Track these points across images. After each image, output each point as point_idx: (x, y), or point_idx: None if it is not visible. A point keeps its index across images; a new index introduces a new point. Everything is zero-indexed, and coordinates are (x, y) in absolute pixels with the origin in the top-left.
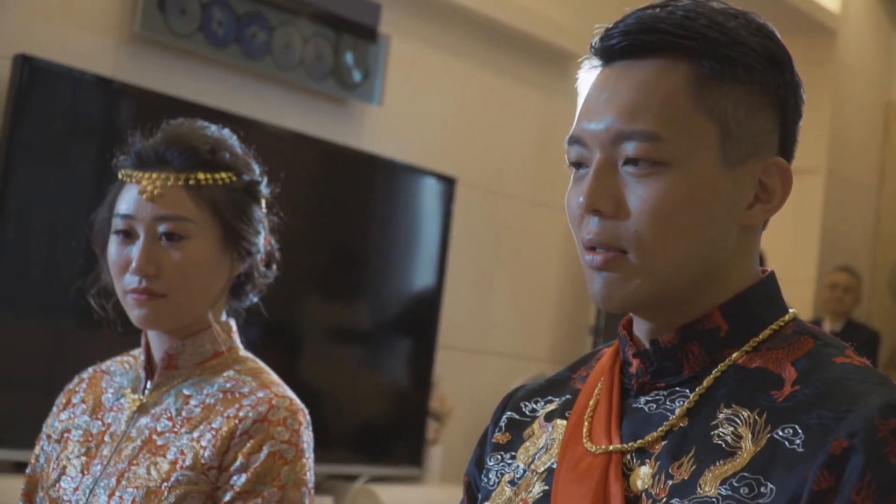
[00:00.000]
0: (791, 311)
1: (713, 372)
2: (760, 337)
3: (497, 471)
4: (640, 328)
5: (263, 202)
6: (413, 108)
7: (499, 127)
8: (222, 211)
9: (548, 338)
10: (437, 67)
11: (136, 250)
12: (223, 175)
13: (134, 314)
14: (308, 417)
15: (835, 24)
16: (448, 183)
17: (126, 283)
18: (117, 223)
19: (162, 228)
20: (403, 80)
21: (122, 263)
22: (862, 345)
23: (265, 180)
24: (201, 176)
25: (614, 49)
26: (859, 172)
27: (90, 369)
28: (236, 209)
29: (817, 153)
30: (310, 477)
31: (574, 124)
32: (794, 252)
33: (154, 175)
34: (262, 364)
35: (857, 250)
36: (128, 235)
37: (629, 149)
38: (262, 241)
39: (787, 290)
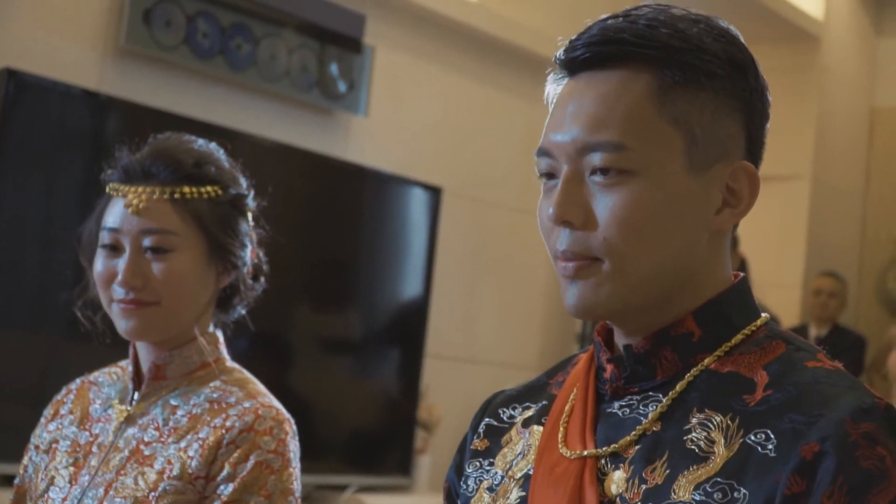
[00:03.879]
0: (763, 315)
1: (686, 377)
2: (733, 342)
3: (476, 477)
4: (615, 334)
5: (250, 215)
6: (398, 118)
7: (484, 136)
8: (207, 224)
9: (535, 346)
10: (421, 77)
11: (122, 263)
12: (208, 189)
13: (121, 325)
14: (294, 427)
15: (819, 31)
16: (434, 192)
17: (113, 294)
18: (104, 236)
19: (147, 242)
20: (388, 91)
21: (108, 275)
22: (848, 349)
23: (252, 194)
24: (186, 189)
25: (578, 61)
26: (845, 178)
27: (78, 380)
28: (221, 222)
29: (803, 159)
30: (296, 486)
31: (542, 136)
32: (780, 257)
33: (140, 189)
34: (248, 375)
35: (843, 255)
36: (114, 248)
37: (595, 159)
38: (249, 254)
39: (774, 296)
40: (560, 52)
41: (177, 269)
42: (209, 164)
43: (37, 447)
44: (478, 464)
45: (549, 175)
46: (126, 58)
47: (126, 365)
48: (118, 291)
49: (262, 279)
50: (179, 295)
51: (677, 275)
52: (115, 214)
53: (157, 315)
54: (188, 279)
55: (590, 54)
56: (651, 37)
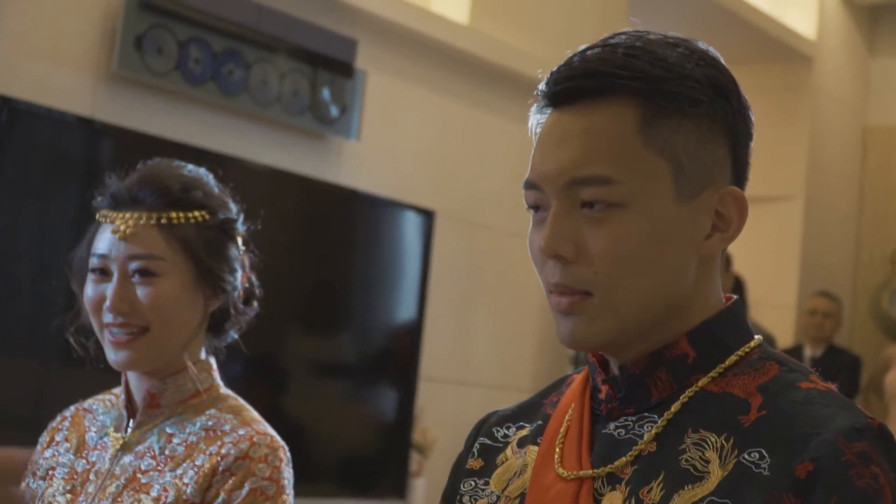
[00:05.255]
0: (757, 337)
1: (681, 398)
2: (726, 363)
3: (471, 496)
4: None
5: (240, 240)
6: (390, 142)
7: (476, 159)
8: (194, 249)
9: (529, 368)
10: (413, 101)
11: (110, 289)
12: (196, 214)
13: (111, 356)
14: (288, 455)
15: (811, 51)
16: (427, 216)
17: (103, 319)
18: (93, 262)
19: (134, 267)
20: (380, 115)
21: (97, 301)
22: (843, 370)
23: (241, 218)
24: (173, 215)
25: (560, 95)
26: (838, 198)
27: (72, 407)
28: (209, 247)
29: (796, 180)
30: None
31: (529, 169)
32: (774, 278)
33: (127, 215)
34: (242, 402)
35: (837, 275)
36: (103, 274)
37: (583, 193)
38: (240, 278)
39: (768, 316)
40: (542, 85)
41: (163, 294)
42: (196, 189)
43: (34, 473)
44: (472, 483)
45: (538, 206)
46: (118, 84)
47: (119, 392)
48: (107, 316)
49: (255, 304)
50: (167, 320)
51: (668, 302)
52: (104, 240)
53: (146, 344)
54: (175, 304)
55: (572, 88)
56: (632, 67)
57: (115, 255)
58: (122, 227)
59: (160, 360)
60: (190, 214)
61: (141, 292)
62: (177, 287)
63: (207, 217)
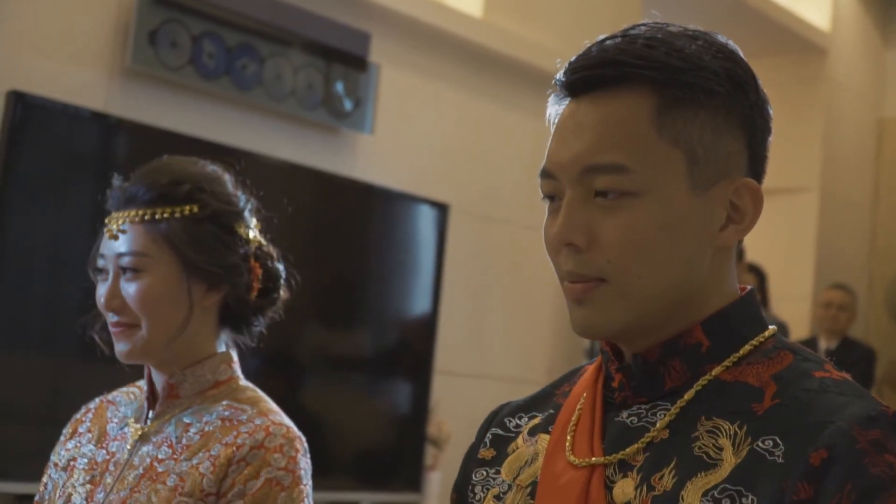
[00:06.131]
0: (771, 327)
1: (694, 386)
2: (741, 352)
3: (483, 486)
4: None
5: (249, 232)
6: (404, 135)
7: (490, 152)
8: (177, 244)
9: (544, 361)
10: (427, 95)
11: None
12: (184, 207)
13: (115, 349)
14: (305, 445)
15: (826, 43)
16: (441, 209)
17: (108, 319)
18: (99, 263)
19: (122, 264)
20: (394, 108)
21: (98, 300)
22: (858, 362)
23: (248, 209)
24: (158, 210)
25: (578, 83)
26: (853, 189)
27: (97, 399)
28: (195, 241)
29: (810, 171)
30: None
31: (545, 158)
32: (789, 270)
33: (118, 214)
34: (261, 393)
35: (852, 267)
36: (105, 273)
37: (598, 181)
38: (250, 270)
39: (784, 309)
40: (560, 75)
41: (146, 290)
42: (185, 182)
43: (56, 464)
44: (484, 472)
45: (553, 196)
46: (132, 79)
47: (143, 384)
48: (107, 315)
49: (281, 293)
50: (154, 315)
51: (682, 292)
52: (103, 241)
53: (138, 337)
54: (160, 299)
55: (589, 77)
56: (650, 57)
57: (109, 254)
58: (113, 227)
59: (159, 353)
60: (176, 209)
61: (127, 289)
62: (161, 282)
63: (196, 210)
